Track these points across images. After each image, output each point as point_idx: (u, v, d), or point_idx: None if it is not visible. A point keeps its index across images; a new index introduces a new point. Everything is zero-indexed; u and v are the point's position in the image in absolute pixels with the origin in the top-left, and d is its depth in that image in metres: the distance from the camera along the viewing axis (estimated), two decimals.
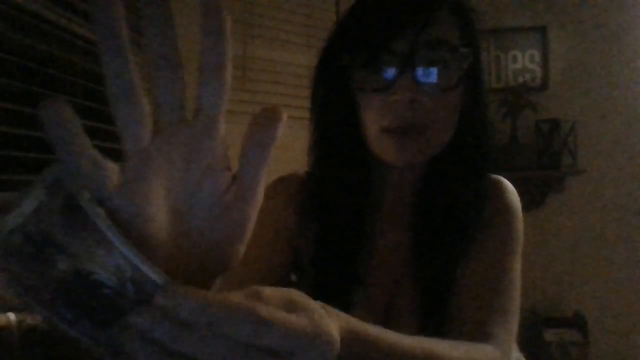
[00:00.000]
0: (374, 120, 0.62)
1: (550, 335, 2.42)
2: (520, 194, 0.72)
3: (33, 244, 0.27)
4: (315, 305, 0.31)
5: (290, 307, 0.29)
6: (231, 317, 0.26)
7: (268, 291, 0.29)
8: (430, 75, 0.60)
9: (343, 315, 0.35)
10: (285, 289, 0.31)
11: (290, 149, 0.80)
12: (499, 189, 0.71)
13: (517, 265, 0.66)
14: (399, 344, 0.39)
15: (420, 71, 0.59)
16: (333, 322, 0.31)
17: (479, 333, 0.58)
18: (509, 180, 0.73)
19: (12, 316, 0.96)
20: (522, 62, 2.68)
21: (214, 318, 0.26)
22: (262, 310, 0.27)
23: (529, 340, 2.46)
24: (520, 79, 2.66)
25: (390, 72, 0.60)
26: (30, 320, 0.99)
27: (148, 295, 0.27)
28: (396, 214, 0.71)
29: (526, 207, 1.12)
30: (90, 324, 0.28)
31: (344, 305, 0.47)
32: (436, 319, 0.64)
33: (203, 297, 0.26)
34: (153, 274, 0.27)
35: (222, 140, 0.30)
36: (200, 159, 0.29)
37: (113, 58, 0.25)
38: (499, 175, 0.73)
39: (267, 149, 0.30)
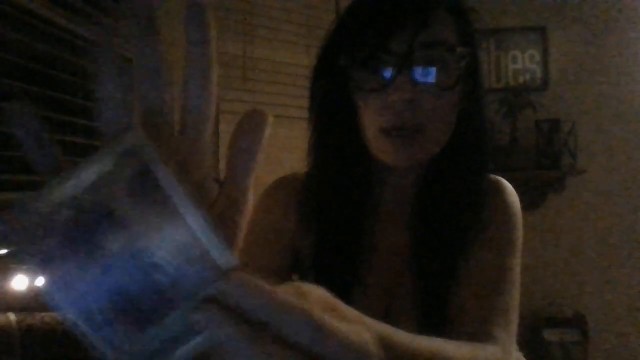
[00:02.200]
0: (373, 120, 0.62)
1: (550, 335, 2.42)
2: (520, 194, 0.72)
3: (83, 219, 0.24)
4: (353, 314, 0.30)
5: (334, 314, 0.28)
6: (292, 318, 0.24)
7: (311, 290, 0.28)
8: (428, 75, 0.60)
9: (369, 321, 0.34)
10: (319, 287, 0.29)
11: (290, 149, 0.80)
12: (498, 189, 0.71)
13: (517, 266, 0.66)
14: (411, 344, 0.39)
15: (418, 71, 0.59)
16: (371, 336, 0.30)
17: (480, 333, 0.58)
18: (508, 180, 0.73)
19: (12, 316, 0.97)
20: (522, 62, 2.68)
21: (276, 317, 0.24)
22: (320, 317, 0.25)
23: (529, 340, 2.46)
24: (520, 79, 2.66)
25: (388, 72, 0.60)
26: (30, 320, 0.99)
27: (205, 285, 0.24)
28: (396, 214, 0.71)
29: (526, 207, 1.12)
30: (123, 328, 0.24)
31: None
32: (436, 320, 0.64)
33: (268, 290, 0.24)
34: (224, 258, 0.24)
35: (208, 151, 0.29)
36: (188, 172, 0.28)
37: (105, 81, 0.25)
38: (499, 175, 0.73)
39: (253, 155, 0.28)
